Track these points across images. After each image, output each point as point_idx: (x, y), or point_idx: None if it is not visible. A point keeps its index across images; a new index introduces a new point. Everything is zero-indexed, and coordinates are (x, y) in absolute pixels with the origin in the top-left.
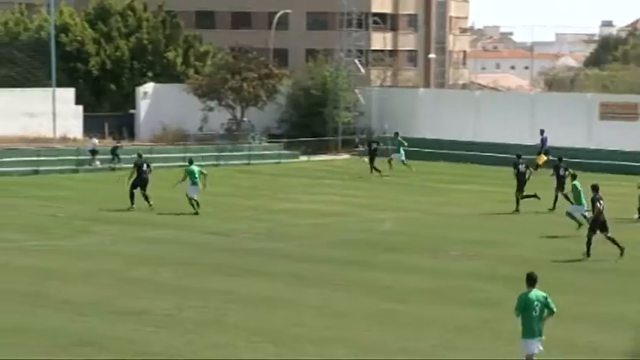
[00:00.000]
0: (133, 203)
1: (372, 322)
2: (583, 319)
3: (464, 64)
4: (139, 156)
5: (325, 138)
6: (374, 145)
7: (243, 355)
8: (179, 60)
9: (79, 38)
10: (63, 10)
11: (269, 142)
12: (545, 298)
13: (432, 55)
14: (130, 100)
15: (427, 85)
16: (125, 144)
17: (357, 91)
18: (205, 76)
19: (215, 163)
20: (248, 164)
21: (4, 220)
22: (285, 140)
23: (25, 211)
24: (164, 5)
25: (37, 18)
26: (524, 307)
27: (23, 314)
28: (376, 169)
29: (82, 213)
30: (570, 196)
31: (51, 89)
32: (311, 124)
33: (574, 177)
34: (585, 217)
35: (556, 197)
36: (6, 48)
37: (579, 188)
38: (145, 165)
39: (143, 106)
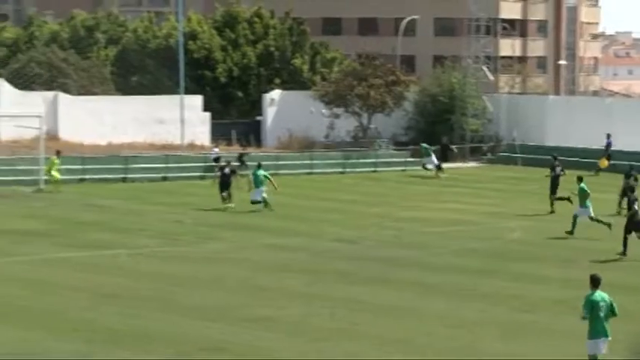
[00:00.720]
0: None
1: (502, 332)
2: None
3: (595, 70)
4: (227, 162)
5: (453, 145)
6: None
7: None
8: (306, 67)
9: (206, 45)
10: (191, 17)
11: (395, 150)
12: (610, 300)
13: (562, 62)
14: (257, 107)
15: (557, 92)
16: (252, 151)
17: (484, 98)
18: (332, 83)
19: (341, 170)
20: (374, 172)
21: (133, 226)
22: (411, 148)
23: (154, 217)
24: (291, 12)
25: (165, 25)
26: (590, 308)
27: (151, 320)
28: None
29: (209, 219)
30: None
31: (179, 96)
32: (438, 132)
33: (580, 179)
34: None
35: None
36: (136, 55)
37: (587, 191)
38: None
39: (270, 113)
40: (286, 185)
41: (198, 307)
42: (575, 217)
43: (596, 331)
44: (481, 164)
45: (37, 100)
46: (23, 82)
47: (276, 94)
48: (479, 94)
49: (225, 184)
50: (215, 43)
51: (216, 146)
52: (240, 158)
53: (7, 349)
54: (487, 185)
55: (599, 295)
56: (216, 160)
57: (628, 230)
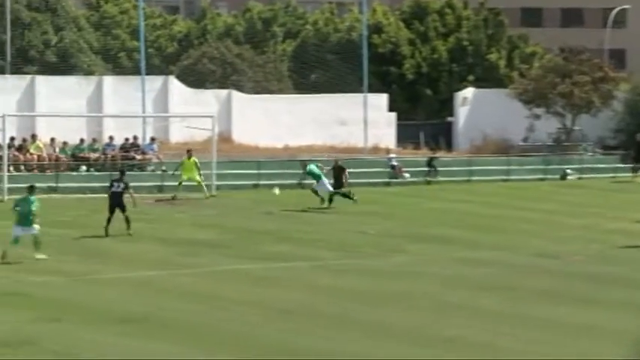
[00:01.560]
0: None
1: None
2: None
3: None
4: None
5: None
6: None
7: None
8: (502, 62)
9: (393, 39)
10: (376, 8)
11: (603, 154)
12: None
13: None
14: (448, 107)
15: None
16: (442, 155)
17: None
18: (531, 80)
19: (542, 177)
20: (579, 179)
21: (310, 236)
22: (621, 152)
23: (334, 227)
24: (486, 2)
25: (348, 18)
26: None
27: (326, 339)
28: None
29: (394, 230)
30: None
31: (362, 95)
32: None
33: None
34: None
35: None
36: (316, 50)
37: None
38: None
39: (462, 114)
40: (480, 193)
41: (379, 326)
42: None
43: None
44: None
45: (209, 99)
46: (195, 79)
47: (469, 92)
48: None
49: None
50: (402, 37)
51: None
52: (430, 163)
53: None
54: None
55: None
56: (393, 167)
57: None
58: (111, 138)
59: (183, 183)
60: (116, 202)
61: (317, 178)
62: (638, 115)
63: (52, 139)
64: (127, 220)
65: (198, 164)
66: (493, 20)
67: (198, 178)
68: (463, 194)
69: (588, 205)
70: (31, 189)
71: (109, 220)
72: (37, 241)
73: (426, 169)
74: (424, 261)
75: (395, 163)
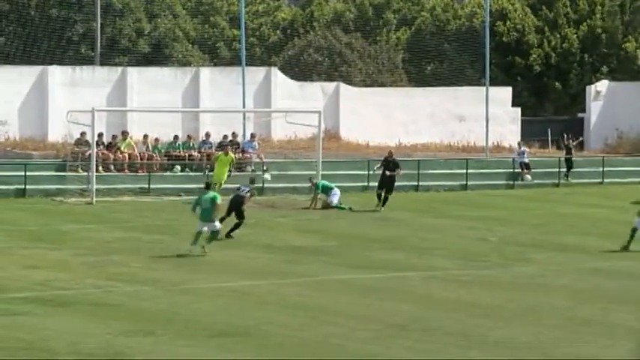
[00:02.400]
0: None
1: None
2: None
3: None
4: None
5: None
6: None
7: None
8: None
9: (518, 27)
10: None
11: None
12: None
13: None
14: (579, 102)
15: None
16: (572, 155)
17: None
18: None
19: None
20: None
21: (428, 244)
22: None
23: (452, 234)
24: None
25: (468, 3)
26: None
27: (447, 355)
28: None
29: (518, 237)
30: None
31: (484, 88)
32: None
33: None
34: None
35: None
36: (433, 39)
37: None
38: None
39: (595, 109)
40: (614, 197)
41: (505, 343)
42: None
43: None
44: None
45: (315, 93)
46: (300, 71)
47: (603, 85)
48: None
49: None
50: (529, 24)
51: (523, 146)
52: (568, 162)
53: None
54: None
55: None
56: (523, 164)
57: None
58: (207, 135)
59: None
60: (235, 206)
61: (327, 189)
62: None
63: (145, 136)
64: (236, 227)
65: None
66: (631, 5)
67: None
68: (596, 198)
69: None
70: (207, 186)
71: (221, 220)
72: (212, 237)
73: (554, 169)
74: (553, 272)
75: (527, 160)
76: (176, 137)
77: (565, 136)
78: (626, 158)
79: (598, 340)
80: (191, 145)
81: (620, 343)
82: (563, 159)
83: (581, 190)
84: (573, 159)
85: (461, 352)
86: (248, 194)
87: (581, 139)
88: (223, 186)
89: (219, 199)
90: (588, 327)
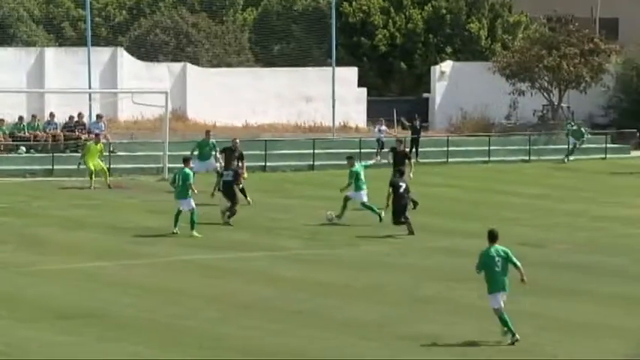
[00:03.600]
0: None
1: None
2: None
3: None
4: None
5: None
6: None
7: None
8: (483, 33)
9: (364, 7)
10: None
11: (593, 134)
12: (506, 253)
13: None
14: (424, 82)
15: None
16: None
17: None
18: (515, 52)
19: (525, 158)
20: (565, 160)
21: (274, 224)
22: (612, 131)
23: (299, 213)
24: None
25: None
26: (484, 263)
27: (295, 336)
28: None
29: (366, 217)
30: None
31: (330, 69)
32: None
33: None
34: None
35: None
36: (280, 19)
37: None
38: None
39: (439, 89)
40: (458, 176)
41: (351, 323)
42: None
43: (495, 286)
44: None
45: (161, 73)
46: (146, 51)
47: (447, 65)
48: None
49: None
50: (374, 5)
51: (381, 124)
52: (413, 142)
53: None
54: None
55: (495, 249)
56: (380, 142)
57: None
58: (52, 115)
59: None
60: (225, 191)
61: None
62: (632, 91)
63: None
64: (229, 211)
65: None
66: None
67: (102, 165)
68: (440, 177)
69: (578, 190)
70: (185, 161)
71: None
72: (193, 220)
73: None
74: (397, 251)
75: (384, 139)
76: (21, 118)
77: (415, 116)
78: (469, 138)
79: (442, 317)
80: (36, 125)
81: (465, 320)
82: (409, 139)
83: (426, 170)
84: (420, 139)
85: (309, 332)
86: (233, 178)
87: (426, 123)
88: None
89: (191, 178)
90: (432, 305)
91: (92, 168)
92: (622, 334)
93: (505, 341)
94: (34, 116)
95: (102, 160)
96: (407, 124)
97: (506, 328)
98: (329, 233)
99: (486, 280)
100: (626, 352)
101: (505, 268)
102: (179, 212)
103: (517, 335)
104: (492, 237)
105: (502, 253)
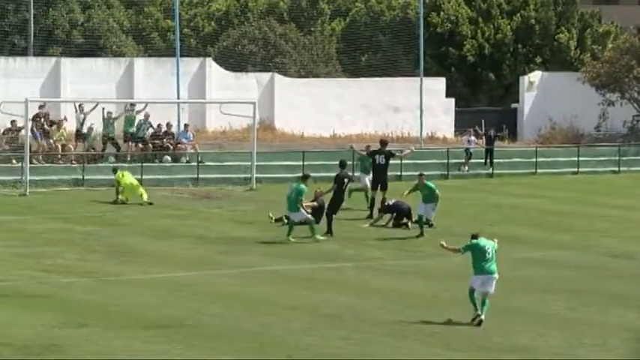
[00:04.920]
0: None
1: None
2: None
3: None
4: (342, 166)
5: None
6: None
7: None
8: (573, 43)
9: (452, 18)
10: None
11: None
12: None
13: None
14: (512, 92)
15: None
16: (504, 145)
17: None
18: (605, 62)
19: (615, 169)
20: None
21: (362, 234)
22: None
23: (382, 224)
24: None
25: None
26: (474, 249)
27: (384, 347)
28: None
29: (453, 227)
30: None
31: (417, 79)
32: None
33: None
34: None
35: None
36: (368, 30)
37: None
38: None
39: (528, 99)
40: (547, 187)
41: (438, 333)
42: None
43: (481, 270)
44: None
45: (250, 84)
46: (234, 61)
47: (536, 76)
48: None
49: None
50: (462, 15)
51: (471, 134)
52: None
53: None
54: None
55: (483, 240)
56: (469, 153)
57: None
58: (159, 126)
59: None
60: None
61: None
62: None
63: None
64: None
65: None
66: None
67: (140, 190)
68: (529, 188)
69: None
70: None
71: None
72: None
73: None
74: None
75: (472, 150)
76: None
77: (493, 128)
78: (558, 149)
79: (531, 329)
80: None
81: (556, 332)
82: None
83: (515, 181)
84: (495, 149)
85: (395, 343)
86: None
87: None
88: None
89: (304, 194)
90: (521, 316)
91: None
92: None
93: (472, 320)
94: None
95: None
96: (480, 132)
97: (473, 305)
98: (417, 244)
99: (474, 265)
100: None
101: (494, 256)
102: (291, 222)
103: (482, 316)
104: (474, 236)
105: (491, 244)
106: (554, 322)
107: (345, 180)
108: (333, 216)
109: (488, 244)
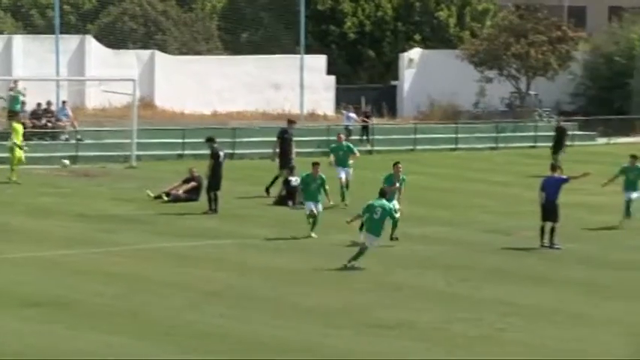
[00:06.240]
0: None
1: None
2: None
3: None
4: (211, 140)
5: (631, 116)
6: None
7: None
8: (452, 21)
9: None
10: None
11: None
12: (390, 209)
13: None
14: (393, 70)
15: None
16: (385, 122)
17: None
18: (484, 40)
19: (493, 145)
20: (533, 147)
21: (242, 212)
22: (579, 118)
23: (267, 202)
24: None
25: None
26: (367, 209)
27: (261, 324)
28: None
29: (336, 206)
30: None
31: (299, 56)
32: (613, 99)
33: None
34: None
35: None
36: (249, 7)
37: None
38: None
39: (407, 77)
40: (426, 164)
41: (318, 310)
42: None
43: (369, 229)
44: None
45: (130, 61)
46: (114, 39)
47: (415, 53)
48: None
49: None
50: None
51: (350, 111)
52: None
53: (89, 356)
54: None
55: (379, 202)
56: (349, 130)
57: None
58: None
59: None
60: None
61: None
62: (599, 78)
63: None
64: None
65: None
66: None
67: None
68: (408, 165)
69: (544, 177)
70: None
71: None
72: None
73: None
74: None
75: (352, 127)
76: None
77: (368, 106)
78: (437, 125)
79: (410, 305)
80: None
81: (435, 307)
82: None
83: (394, 157)
84: (373, 126)
85: (275, 320)
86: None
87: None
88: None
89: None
90: (401, 292)
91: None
92: (585, 321)
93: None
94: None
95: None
96: (362, 110)
97: (355, 256)
98: (297, 221)
99: (365, 223)
100: (597, 340)
101: (382, 219)
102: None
103: (358, 265)
104: (381, 193)
105: (386, 207)
106: (432, 297)
107: (221, 154)
108: (218, 193)
109: (380, 206)
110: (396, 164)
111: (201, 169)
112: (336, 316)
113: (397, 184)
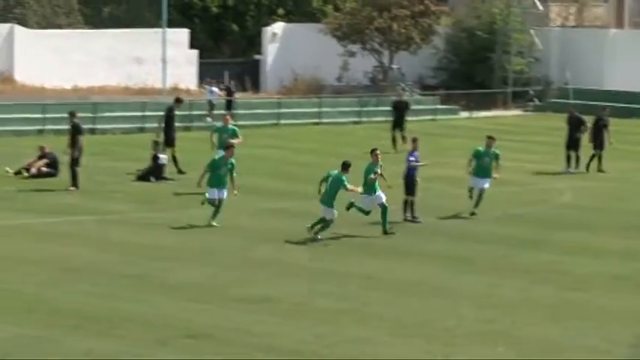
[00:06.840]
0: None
1: (544, 314)
2: None
3: None
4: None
5: (492, 90)
6: None
7: (386, 350)
8: None
9: None
10: None
11: (422, 95)
12: (342, 180)
13: None
14: (256, 44)
15: (620, 24)
16: (248, 96)
17: (532, 32)
18: (347, 13)
19: (357, 119)
20: None
21: (102, 188)
22: (442, 92)
23: (128, 177)
24: None
25: None
26: (325, 179)
27: (124, 300)
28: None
29: (193, 179)
30: None
31: (161, 30)
32: (475, 73)
33: None
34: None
35: None
36: None
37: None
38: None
39: (271, 51)
40: (289, 138)
41: (181, 286)
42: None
43: (324, 200)
44: (527, 112)
45: None
46: None
47: (278, 27)
48: (525, 28)
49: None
50: None
51: (213, 85)
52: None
53: None
54: (533, 138)
55: (334, 172)
56: (212, 104)
57: None
58: None
59: None
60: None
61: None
62: (461, 52)
63: None
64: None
65: None
66: None
67: None
68: (271, 139)
69: (406, 150)
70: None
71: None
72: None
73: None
74: (227, 213)
75: (215, 101)
76: None
77: (231, 81)
78: (301, 100)
79: (273, 280)
80: None
81: (295, 282)
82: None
83: (257, 132)
84: (237, 100)
85: (139, 296)
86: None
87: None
88: None
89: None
90: (263, 267)
91: None
92: (445, 294)
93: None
94: None
95: None
96: (224, 84)
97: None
98: (159, 196)
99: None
100: (457, 312)
101: (334, 189)
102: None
103: (318, 236)
104: (344, 166)
105: (337, 178)
106: (295, 272)
107: (80, 127)
108: (78, 169)
109: (332, 177)
110: (373, 151)
111: (60, 146)
112: (201, 291)
113: (379, 172)
